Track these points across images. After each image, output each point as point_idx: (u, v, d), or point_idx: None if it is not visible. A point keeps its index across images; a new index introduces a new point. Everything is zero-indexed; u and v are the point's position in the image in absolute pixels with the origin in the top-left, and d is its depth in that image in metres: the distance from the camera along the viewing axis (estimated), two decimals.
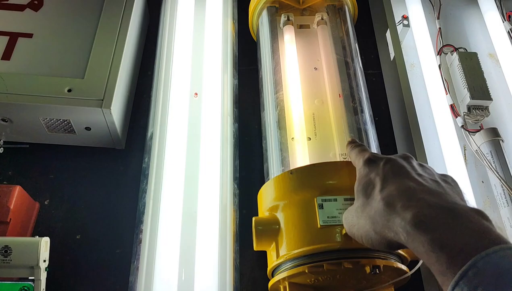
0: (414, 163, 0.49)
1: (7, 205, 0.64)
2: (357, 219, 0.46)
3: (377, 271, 0.51)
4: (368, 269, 0.51)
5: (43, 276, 0.59)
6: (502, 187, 0.77)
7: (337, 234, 0.53)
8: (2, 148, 0.77)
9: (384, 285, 0.55)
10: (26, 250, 0.58)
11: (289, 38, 0.77)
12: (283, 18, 0.79)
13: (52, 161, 0.77)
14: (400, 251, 0.55)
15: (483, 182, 0.81)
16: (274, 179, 0.59)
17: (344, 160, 0.62)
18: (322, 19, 0.79)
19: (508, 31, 0.97)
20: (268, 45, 0.77)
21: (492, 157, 0.80)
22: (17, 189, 0.66)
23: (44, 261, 0.59)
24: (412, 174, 0.46)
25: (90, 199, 0.75)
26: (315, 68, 0.76)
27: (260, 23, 0.82)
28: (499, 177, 0.77)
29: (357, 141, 0.57)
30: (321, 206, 0.55)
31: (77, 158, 0.78)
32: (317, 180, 0.57)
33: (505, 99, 0.90)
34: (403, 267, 0.54)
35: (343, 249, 0.52)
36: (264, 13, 0.81)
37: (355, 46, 0.80)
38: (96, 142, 0.77)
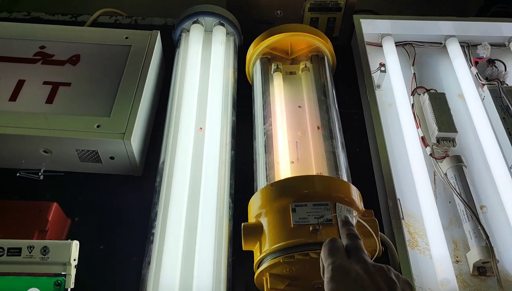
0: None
1: (46, 217, 0.80)
2: None
3: None
4: None
5: (73, 272, 0.72)
6: (464, 207, 0.88)
7: (307, 232, 0.66)
8: (42, 175, 0.93)
9: None
10: (60, 250, 0.72)
11: (277, 83, 0.94)
12: (273, 67, 0.96)
13: (82, 186, 0.93)
14: None
15: (450, 202, 0.93)
16: (260, 190, 0.74)
17: (316, 174, 0.76)
18: (305, 66, 0.96)
19: (475, 75, 1.12)
20: (260, 87, 0.93)
21: (455, 181, 0.92)
22: (54, 205, 0.82)
23: (74, 260, 0.73)
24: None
25: (111, 217, 0.90)
26: (299, 106, 0.91)
27: (254, 71, 0.99)
28: (461, 199, 0.89)
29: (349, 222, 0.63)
30: (294, 210, 0.68)
31: (102, 183, 0.93)
32: (291, 189, 0.71)
33: (472, 132, 1.03)
34: None
35: (311, 243, 0.65)
36: (258, 63, 0.98)
37: (332, 88, 0.95)
38: (118, 170, 0.93)
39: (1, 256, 0.72)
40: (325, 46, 0.98)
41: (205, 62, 1.00)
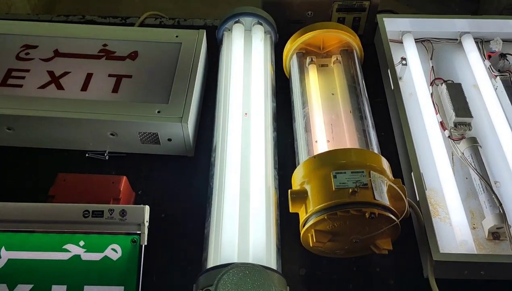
0: None
1: (118, 187, 0.93)
2: None
3: (373, 216, 0.76)
4: (367, 215, 0.76)
5: (146, 231, 0.86)
6: (479, 180, 1.00)
7: (347, 194, 0.78)
8: (107, 156, 1.07)
9: (380, 230, 0.79)
10: (135, 212, 0.86)
11: (312, 73, 1.07)
12: (308, 60, 1.09)
13: (143, 165, 1.07)
14: (392, 208, 0.80)
15: (467, 179, 1.05)
16: (302, 163, 0.86)
17: (351, 148, 0.89)
18: (337, 59, 1.09)
19: (489, 67, 1.23)
20: (297, 77, 1.07)
21: (472, 159, 1.04)
22: (124, 178, 0.96)
23: (146, 221, 0.87)
24: None
25: (169, 191, 1.03)
26: (332, 94, 1.04)
27: (291, 64, 1.12)
28: (477, 172, 1.01)
29: None
30: (335, 177, 0.81)
31: (160, 163, 1.07)
32: (332, 160, 0.83)
33: (486, 118, 1.15)
34: (393, 217, 0.79)
35: (351, 202, 0.78)
36: (294, 57, 1.11)
37: (361, 78, 1.08)
38: (174, 151, 1.06)
39: (86, 217, 0.85)
40: (354, 41, 1.11)
41: (247, 57, 1.13)
